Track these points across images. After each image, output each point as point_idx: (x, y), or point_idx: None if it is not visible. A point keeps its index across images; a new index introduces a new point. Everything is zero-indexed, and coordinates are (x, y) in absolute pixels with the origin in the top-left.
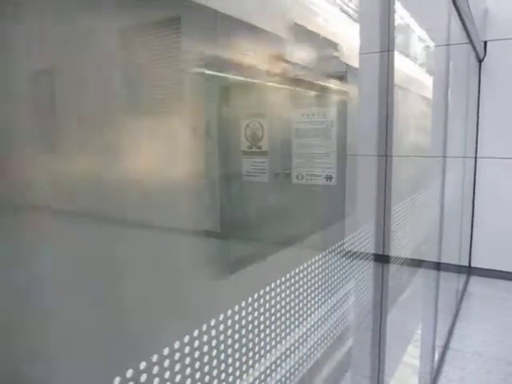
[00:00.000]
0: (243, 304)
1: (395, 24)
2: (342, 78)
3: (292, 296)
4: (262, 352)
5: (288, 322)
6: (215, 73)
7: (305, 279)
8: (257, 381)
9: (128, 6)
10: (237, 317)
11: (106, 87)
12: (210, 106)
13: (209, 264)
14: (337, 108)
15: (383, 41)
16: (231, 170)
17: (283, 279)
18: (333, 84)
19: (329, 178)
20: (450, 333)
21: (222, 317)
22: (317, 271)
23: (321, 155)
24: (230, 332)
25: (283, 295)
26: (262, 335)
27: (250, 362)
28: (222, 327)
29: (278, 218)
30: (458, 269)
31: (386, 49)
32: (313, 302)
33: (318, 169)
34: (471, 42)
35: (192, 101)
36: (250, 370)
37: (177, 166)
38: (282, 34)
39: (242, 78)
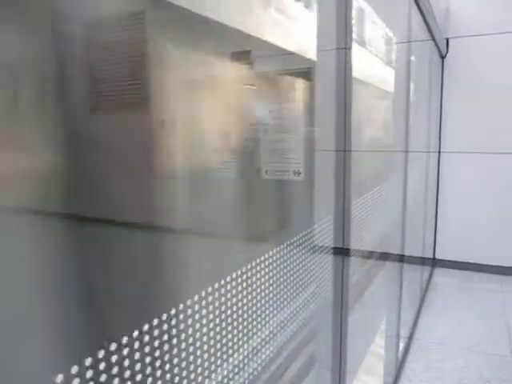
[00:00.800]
0: (196, 298)
1: (353, 20)
2: (308, 74)
3: (246, 292)
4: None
5: (248, 315)
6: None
7: (263, 272)
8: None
9: None
10: (189, 311)
11: None
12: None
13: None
14: (304, 104)
15: (340, 38)
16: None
17: (239, 273)
18: (300, 80)
19: (297, 172)
20: (415, 323)
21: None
22: (276, 264)
23: (289, 150)
24: (175, 332)
25: (237, 290)
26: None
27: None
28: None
29: (241, 213)
30: (423, 261)
31: (344, 46)
32: (271, 296)
33: (286, 164)
34: (434, 38)
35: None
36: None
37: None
38: (248, 31)
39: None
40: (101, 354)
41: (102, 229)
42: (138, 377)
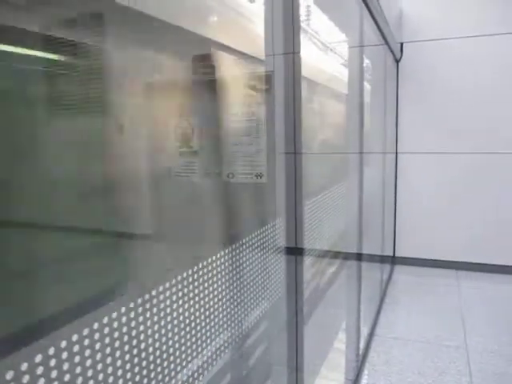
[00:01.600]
0: (147, 297)
1: (304, 26)
2: (268, 77)
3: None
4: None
5: (200, 317)
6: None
7: (213, 272)
8: None
9: None
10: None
11: None
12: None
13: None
14: (265, 107)
15: (288, 42)
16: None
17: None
18: (260, 84)
19: (259, 175)
20: (376, 320)
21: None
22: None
23: (251, 153)
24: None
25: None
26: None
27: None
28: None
29: (200, 216)
30: (383, 259)
31: (291, 50)
32: (223, 295)
33: (248, 167)
34: (387, 43)
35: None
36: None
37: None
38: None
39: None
40: None
41: None
42: None
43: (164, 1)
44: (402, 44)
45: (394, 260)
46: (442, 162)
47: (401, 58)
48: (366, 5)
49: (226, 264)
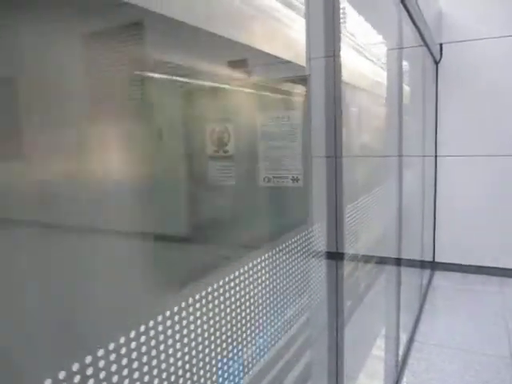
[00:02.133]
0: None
1: (341, 29)
2: (304, 81)
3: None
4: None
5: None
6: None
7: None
8: None
9: None
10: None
11: None
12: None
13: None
14: (301, 111)
15: (329, 45)
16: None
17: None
18: (296, 88)
19: (295, 179)
20: (415, 326)
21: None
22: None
23: (287, 157)
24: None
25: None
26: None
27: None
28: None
29: (240, 221)
30: (422, 264)
31: (332, 54)
32: (265, 298)
33: (284, 171)
34: (426, 44)
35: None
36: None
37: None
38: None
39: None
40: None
41: None
42: None
43: (203, 9)
44: (441, 45)
45: (433, 265)
46: (483, 165)
47: (440, 59)
48: (405, 6)
49: (267, 268)
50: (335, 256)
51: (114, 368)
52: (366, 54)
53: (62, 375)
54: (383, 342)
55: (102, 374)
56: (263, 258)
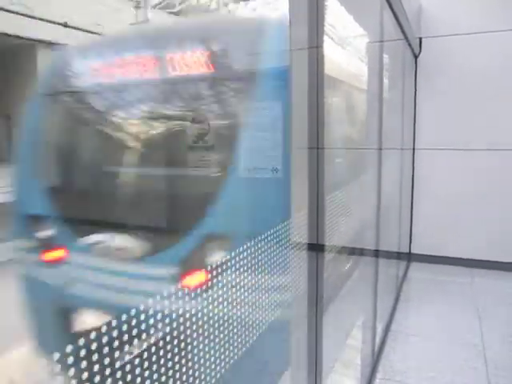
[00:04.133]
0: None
1: (325, 20)
2: (285, 73)
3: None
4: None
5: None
6: None
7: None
8: None
9: None
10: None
11: None
12: None
13: None
14: (281, 102)
15: (312, 36)
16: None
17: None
18: (275, 79)
19: (275, 170)
20: (391, 316)
21: None
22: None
23: (267, 148)
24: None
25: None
26: None
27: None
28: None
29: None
30: (399, 255)
31: (315, 45)
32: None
33: (264, 162)
34: (406, 38)
35: None
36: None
37: None
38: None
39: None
40: None
41: None
42: None
43: None
44: (420, 39)
45: (409, 257)
46: (459, 158)
47: (419, 53)
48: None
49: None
50: (316, 247)
51: None
52: (346, 46)
53: None
54: (360, 332)
55: None
56: (240, 249)
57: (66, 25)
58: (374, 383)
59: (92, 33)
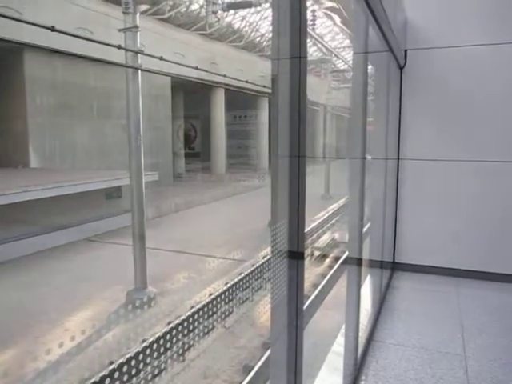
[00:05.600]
0: None
1: (307, 31)
2: (272, 81)
3: None
4: None
5: None
6: None
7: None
8: None
9: None
10: None
11: None
12: None
13: None
14: (268, 110)
15: (294, 47)
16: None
17: None
18: (265, 87)
19: (261, 178)
20: (374, 325)
21: None
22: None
23: (253, 156)
24: None
25: None
26: None
27: None
28: None
29: None
30: (383, 264)
31: (298, 55)
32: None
33: (250, 171)
34: (391, 50)
35: None
36: None
37: None
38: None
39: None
40: None
41: None
42: None
43: None
44: (405, 51)
45: (393, 266)
46: (443, 169)
47: (404, 65)
48: (372, 11)
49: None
50: (296, 255)
51: None
52: (332, 57)
53: None
54: (343, 341)
55: None
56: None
57: (53, 29)
58: None
59: (80, 37)
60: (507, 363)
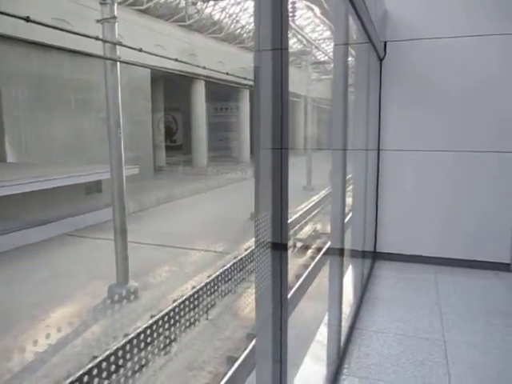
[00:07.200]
0: None
1: (289, 23)
2: (255, 73)
3: None
4: None
5: None
6: None
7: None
8: None
9: None
10: None
11: None
12: None
13: None
14: (251, 102)
15: (276, 39)
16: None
17: None
18: (246, 79)
19: (243, 170)
20: (357, 314)
21: None
22: None
23: (235, 148)
24: None
25: None
26: None
27: None
28: None
29: None
30: (364, 254)
31: (279, 47)
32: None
33: (232, 163)
34: (371, 41)
35: None
36: None
37: None
38: None
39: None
40: None
41: None
42: None
43: None
44: (385, 43)
45: (375, 255)
46: (423, 159)
47: (384, 56)
48: (351, 2)
49: None
50: (279, 246)
51: None
52: (313, 48)
53: None
54: (326, 330)
55: None
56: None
57: (28, 19)
58: (339, 379)
59: (57, 28)
60: (484, 346)
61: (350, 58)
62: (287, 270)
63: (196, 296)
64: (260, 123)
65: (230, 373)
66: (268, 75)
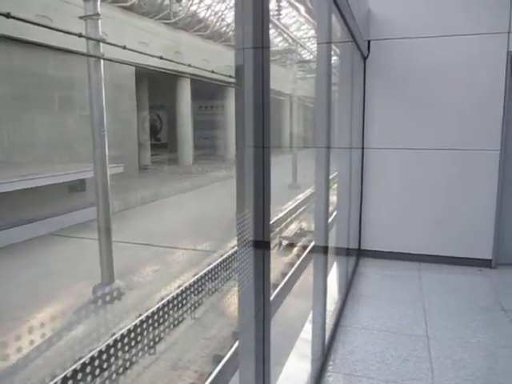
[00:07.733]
0: None
1: (273, 21)
2: (238, 71)
3: None
4: None
5: None
6: None
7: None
8: None
9: None
10: None
11: None
12: None
13: None
14: (235, 100)
15: (257, 37)
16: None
17: None
18: (231, 77)
19: (228, 169)
20: (341, 311)
21: None
22: None
23: (220, 147)
24: None
25: None
26: None
27: None
28: None
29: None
30: (349, 252)
31: (261, 45)
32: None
33: (217, 161)
34: (355, 40)
35: None
36: None
37: None
38: None
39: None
40: None
41: None
42: None
43: None
44: (369, 42)
45: (359, 253)
46: (406, 157)
47: (368, 55)
48: (335, 3)
49: None
50: (262, 245)
51: None
52: (297, 46)
53: None
54: (310, 327)
55: None
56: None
57: (8, 15)
58: (324, 376)
59: (38, 25)
60: (466, 342)
61: (334, 57)
62: (270, 268)
63: (183, 295)
64: (242, 121)
65: (215, 372)
66: (250, 74)
